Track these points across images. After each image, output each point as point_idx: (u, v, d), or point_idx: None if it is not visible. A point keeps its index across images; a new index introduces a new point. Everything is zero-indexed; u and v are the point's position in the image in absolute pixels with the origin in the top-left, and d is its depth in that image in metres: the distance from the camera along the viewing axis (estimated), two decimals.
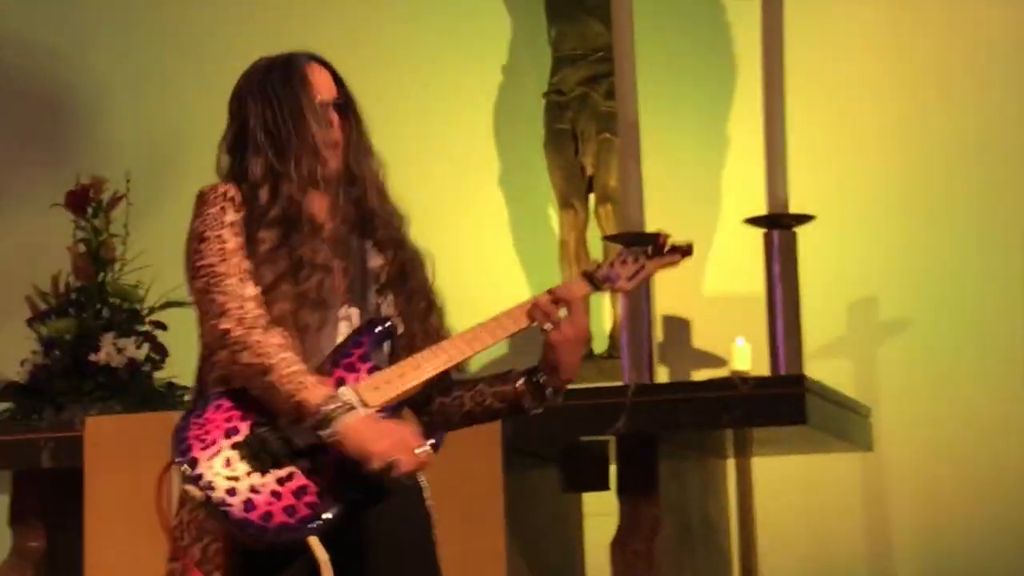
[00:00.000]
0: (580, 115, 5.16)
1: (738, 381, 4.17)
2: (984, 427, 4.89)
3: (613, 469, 4.32)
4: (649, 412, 4.10)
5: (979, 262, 4.98)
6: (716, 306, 5.14)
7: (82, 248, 4.89)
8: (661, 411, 4.10)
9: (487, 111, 5.43)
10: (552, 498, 4.62)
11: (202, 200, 3.04)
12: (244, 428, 2.90)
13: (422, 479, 3.02)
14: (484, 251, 5.31)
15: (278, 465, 2.87)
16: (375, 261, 3.10)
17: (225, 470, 2.87)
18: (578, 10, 5.18)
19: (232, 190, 3.03)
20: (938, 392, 4.95)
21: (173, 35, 5.56)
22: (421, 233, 5.22)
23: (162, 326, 4.80)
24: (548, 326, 2.96)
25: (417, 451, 2.87)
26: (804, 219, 4.53)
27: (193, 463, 2.88)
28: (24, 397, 4.73)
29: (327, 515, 2.85)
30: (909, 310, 5.04)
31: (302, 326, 2.96)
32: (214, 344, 2.96)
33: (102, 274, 4.87)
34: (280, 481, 2.86)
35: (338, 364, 2.95)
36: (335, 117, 3.08)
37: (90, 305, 4.81)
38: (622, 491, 4.21)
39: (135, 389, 4.68)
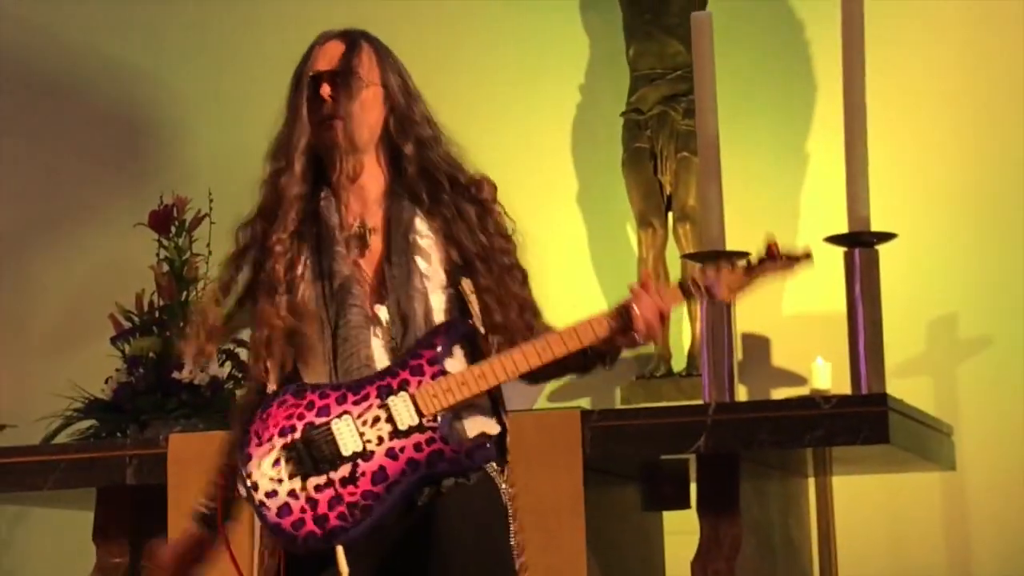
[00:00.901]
0: (659, 134, 5.16)
1: (820, 400, 4.15)
2: None
3: (693, 487, 4.32)
4: (730, 431, 4.09)
5: None
6: (796, 324, 5.13)
7: (165, 267, 4.94)
8: (742, 430, 4.09)
9: (566, 131, 5.45)
10: (633, 516, 4.62)
11: None
12: (300, 428, 2.91)
13: (497, 471, 2.98)
14: (563, 270, 5.31)
15: (318, 471, 2.88)
16: (421, 242, 3.02)
17: (272, 471, 2.90)
18: (656, 29, 5.19)
19: (242, 228, 3.09)
20: (1019, 410, 4.90)
21: (253, 55, 5.60)
22: None
23: (244, 344, 4.83)
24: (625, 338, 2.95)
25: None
26: (886, 237, 4.51)
27: (247, 459, 2.92)
28: (108, 414, 4.79)
29: (355, 530, 2.86)
30: (989, 327, 5.01)
31: (298, 342, 2.98)
32: None
33: (185, 292, 4.91)
34: (317, 488, 2.88)
35: (406, 366, 2.93)
36: (325, 89, 3.03)
37: (173, 323, 4.86)
38: (703, 510, 4.20)
39: (218, 406, 4.71)
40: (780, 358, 5.14)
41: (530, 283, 3.09)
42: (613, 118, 5.27)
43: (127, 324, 4.92)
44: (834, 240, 4.56)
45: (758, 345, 5.16)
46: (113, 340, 4.92)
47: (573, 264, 5.38)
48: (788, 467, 4.73)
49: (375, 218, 3.05)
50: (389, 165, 3.06)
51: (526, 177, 5.37)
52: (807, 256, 3.00)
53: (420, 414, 2.90)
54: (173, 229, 4.95)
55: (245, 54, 5.63)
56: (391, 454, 2.89)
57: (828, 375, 4.81)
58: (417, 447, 2.90)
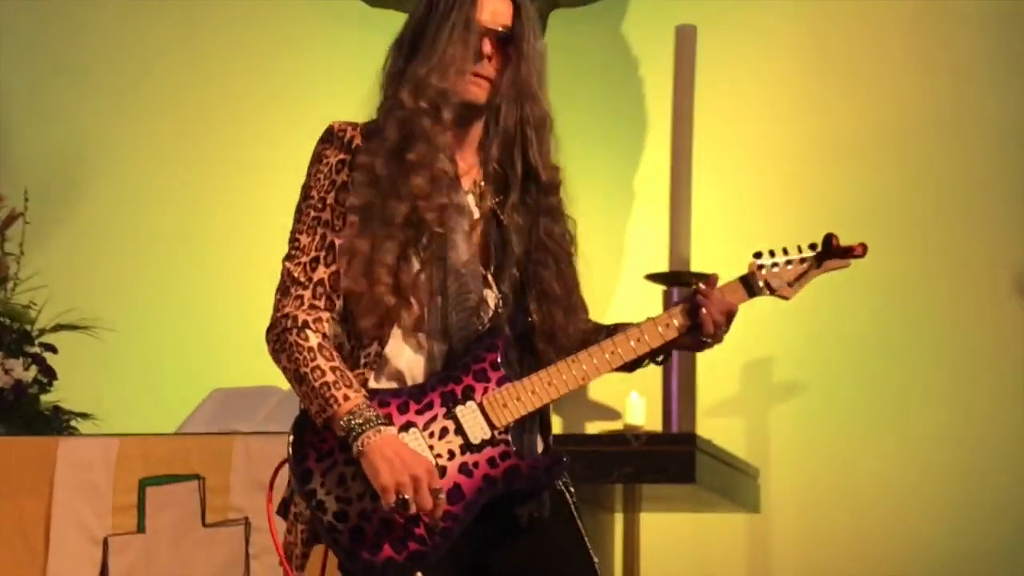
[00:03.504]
0: None
1: (631, 436, 4.17)
2: (870, 496, 4.93)
3: None
4: None
5: (875, 328, 5.02)
6: None
7: None
8: None
9: None
10: None
11: (318, 142, 2.79)
12: None
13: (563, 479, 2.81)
14: None
15: None
16: (517, 231, 2.82)
17: (337, 489, 2.65)
18: None
19: (347, 128, 2.76)
20: (827, 457, 4.97)
21: (77, 52, 5.49)
22: None
23: (52, 349, 4.72)
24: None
25: (436, 490, 2.63)
26: (705, 277, 4.53)
27: (306, 476, 2.67)
28: None
29: (436, 554, 2.65)
30: (802, 373, 5.07)
31: (379, 299, 2.68)
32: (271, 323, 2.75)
33: None
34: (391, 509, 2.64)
35: (468, 370, 2.72)
36: (488, 45, 2.76)
37: None
38: None
39: (20, 411, 4.58)
40: (597, 392, 5.15)
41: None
42: None
43: None
44: (654, 278, 4.59)
45: None
46: None
47: None
48: (597, 501, 4.74)
49: (477, 181, 2.82)
50: (497, 136, 2.81)
51: None
52: (863, 252, 2.89)
53: (492, 426, 2.70)
54: None
55: (66, 51, 5.51)
56: (464, 470, 2.68)
57: (642, 411, 4.83)
58: (491, 462, 2.69)
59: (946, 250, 5.04)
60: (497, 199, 2.82)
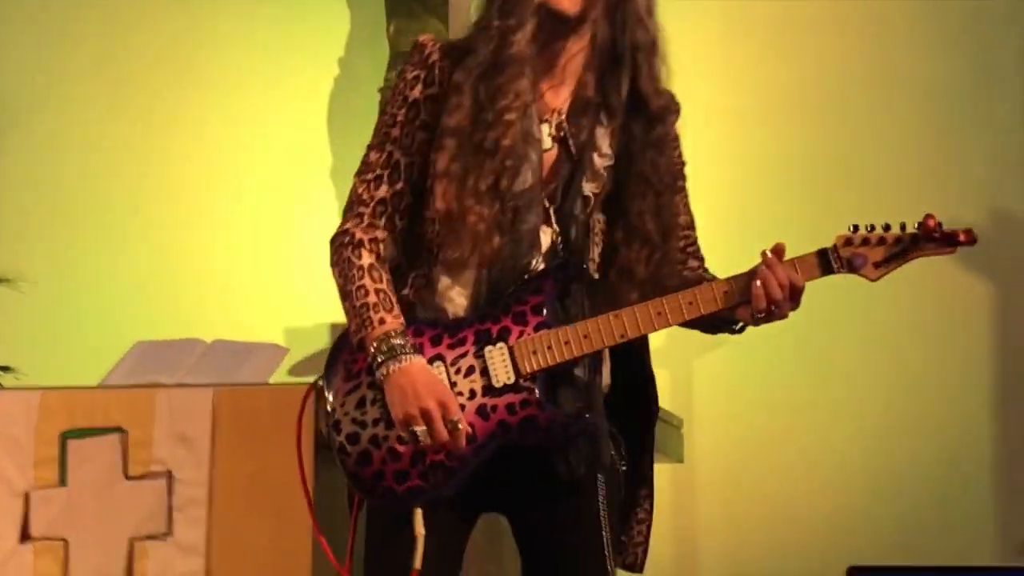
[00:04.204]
0: None
1: None
2: (792, 445, 4.96)
3: None
4: None
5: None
6: None
7: None
8: None
9: (323, 105, 5.39)
10: None
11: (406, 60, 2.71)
12: None
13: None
14: (319, 246, 5.25)
15: None
16: (599, 163, 2.70)
17: (355, 411, 2.63)
18: (417, 7, 5.17)
19: (432, 48, 2.69)
20: (750, 407, 5.01)
21: None
22: (247, 221, 5.24)
23: None
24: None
25: (451, 422, 2.57)
26: None
27: (333, 392, 2.65)
28: None
29: (435, 493, 2.61)
30: None
31: (469, 227, 2.60)
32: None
33: None
34: (401, 440, 2.61)
35: (508, 311, 2.64)
36: None
37: None
38: None
39: None
40: None
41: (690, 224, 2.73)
42: (371, 93, 5.24)
43: None
44: None
45: None
46: None
47: (324, 237, 5.33)
48: None
49: (561, 110, 2.70)
50: (594, 57, 2.69)
51: (282, 151, 5.31)
52: (971, 239, 2.66)
53: (517, 371, 2.62)
54: None
55: None
56: (482, 412, 2.62)
57: None
58: (510, 408, 2.61)
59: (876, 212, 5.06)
60: (586, 129, 2.68)
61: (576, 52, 2.69)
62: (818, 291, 4.91)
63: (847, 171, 5.09)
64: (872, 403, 4.93)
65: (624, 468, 2.76)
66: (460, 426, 2.58)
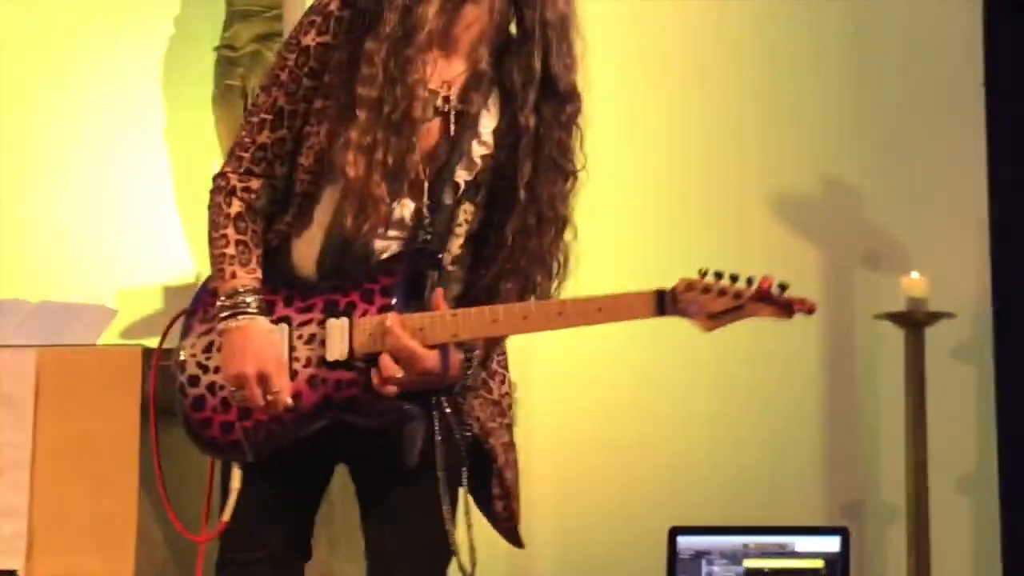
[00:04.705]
0: (251, 72, 5.08)
1: None
2: (629, 411, 5.01)
3: None
4: None
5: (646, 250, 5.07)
6: None
7: None
8: None
9: (157, 63, 5.31)
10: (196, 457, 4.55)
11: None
12: None
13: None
14: (148, 205, 5.19)
15: None
16: (476, 151, 2.68)
17: (202, 355, 2.66)
18: None
19: (334, 3, 2.66)
20: (581, 383, 5.03)
21: None
22: (78, 181, 5.15)
23: None
24: None
25: (271, 395, 2.59)
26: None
27: (186, 332, 2.69)
28: None
29: (252, 452, 2.63)
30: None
31: (375, 199, 2.58)
32: None
33: None
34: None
35: (359, 287, 2.64)
36: None
37: None
38: None
39: None
40: None
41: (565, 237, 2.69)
42: (207, 52, 5.17)
43: None
44: None
45: None
46: None
47: (157, 199, 5.27)
48: None
49: (452, 82, 2.67)
50: (490, 29, 2.67)
51: (114, 109, 5.24)
52: (808, 308, 2.56)
53: (352, 350, 2.61)
54: None
55: None
56: (312, 382, 2.63)
57: None
58: (338, 385, 2.62)
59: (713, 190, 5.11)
60: (475, 108, 2.67)
61: (472, 21, 2.68)
62: (645, 252, 4.97)
63: (678, 136, 5.12)
64: (705, 371, 4.97)
65: (468, 435, 2.76)
66: (280, 398, 2.60)
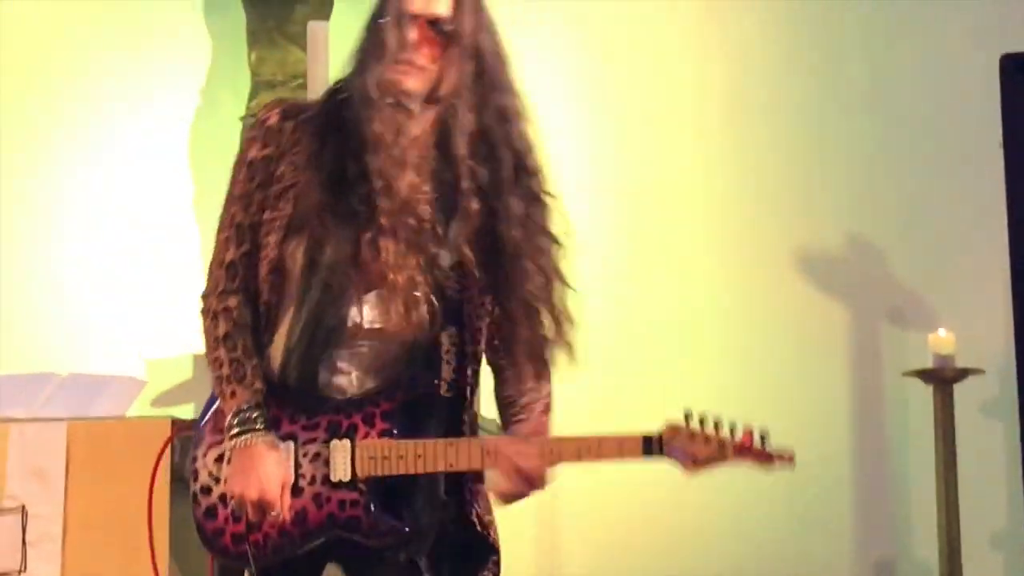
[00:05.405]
0: None
1: None
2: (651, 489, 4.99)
3: None
4: None
5: (664, 320, 5.07)
6: None
7: None
8: None
9: (182, 133, 5.36)
10: None
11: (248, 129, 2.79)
12: None
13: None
14: (181, 276, 5.21)
15: None
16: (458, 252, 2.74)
17: (213, 465, 2.72)
18: (279, 36, 5.16)
19: (273, 117, 2.72)
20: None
21: None
22: (106, 251, 5.17)
23: None
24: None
25: (272, 514, 2.68)
26: None
27: (199, 442, 2.74)
28: None
29: (260, 563, 2.69)
30: None
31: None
32: None
33: None
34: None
35: (362, 409, 2.71)
36: (414, 33, 2.65)
37: None
38: None
39: None
40: None
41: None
42: (233, 122, 5.21)
43: None
44: None
45: None
46: None
47: (185, 268, 5.30)
48: None
49: (415, 188, 2.70)
50: (443, 134, 2.69)
51: (143, 180, 5.27)
52: (790, 460, 2.66)
53: (354, 471, 2.69)
54: None
55: None
56: (317, 500, 2.70)
57: None
58: (341, 505, 2.69)
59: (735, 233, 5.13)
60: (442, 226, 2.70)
61: (417, 134, 2.71)
62: (675, 311, 4.98)
63: (706, 195, 5.14)
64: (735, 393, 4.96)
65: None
66: (279, 520, 2.68)
